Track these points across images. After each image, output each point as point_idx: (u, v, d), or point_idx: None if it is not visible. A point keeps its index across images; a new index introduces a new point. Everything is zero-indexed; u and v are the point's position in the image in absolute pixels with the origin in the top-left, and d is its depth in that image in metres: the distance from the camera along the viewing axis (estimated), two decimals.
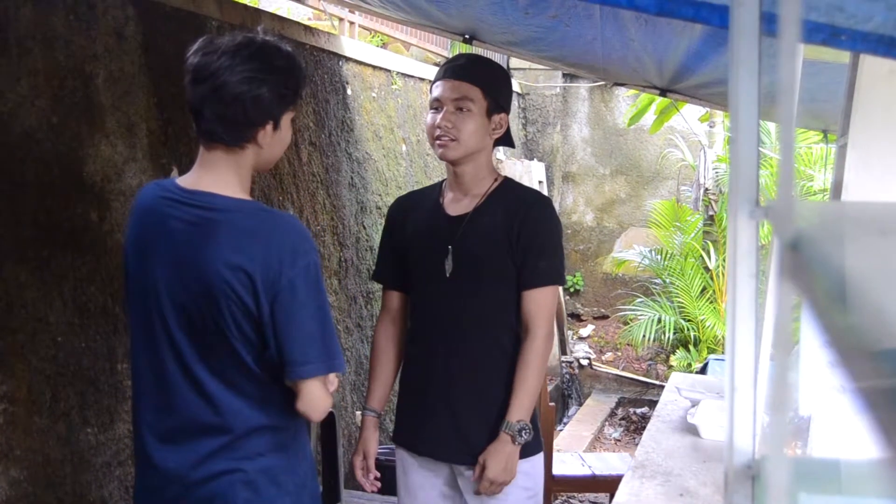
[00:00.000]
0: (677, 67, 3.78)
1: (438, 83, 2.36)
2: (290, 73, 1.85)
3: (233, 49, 1.79)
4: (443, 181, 2.53)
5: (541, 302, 2.35)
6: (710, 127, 8.50)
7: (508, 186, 2.45)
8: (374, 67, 5.36)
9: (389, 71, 5.61)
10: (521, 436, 2.29)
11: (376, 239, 5.03)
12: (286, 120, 1.88)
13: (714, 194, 8.13)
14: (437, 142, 2.35)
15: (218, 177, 1.85)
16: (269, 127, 1.83)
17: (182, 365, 1.85)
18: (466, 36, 3.84)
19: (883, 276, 0.57)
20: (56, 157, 2.71)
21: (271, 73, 1.80)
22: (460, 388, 2.37)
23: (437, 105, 2.35)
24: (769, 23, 0.97)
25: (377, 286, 5.04)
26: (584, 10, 2.92)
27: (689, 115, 8.00)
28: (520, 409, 2.30)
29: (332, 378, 1.89)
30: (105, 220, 2.90)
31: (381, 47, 6.84)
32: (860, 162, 2.48)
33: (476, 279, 2.35)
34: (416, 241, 2.47)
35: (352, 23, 6.28)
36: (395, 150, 5.55)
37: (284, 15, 5.04)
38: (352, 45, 5.06)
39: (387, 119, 5.48)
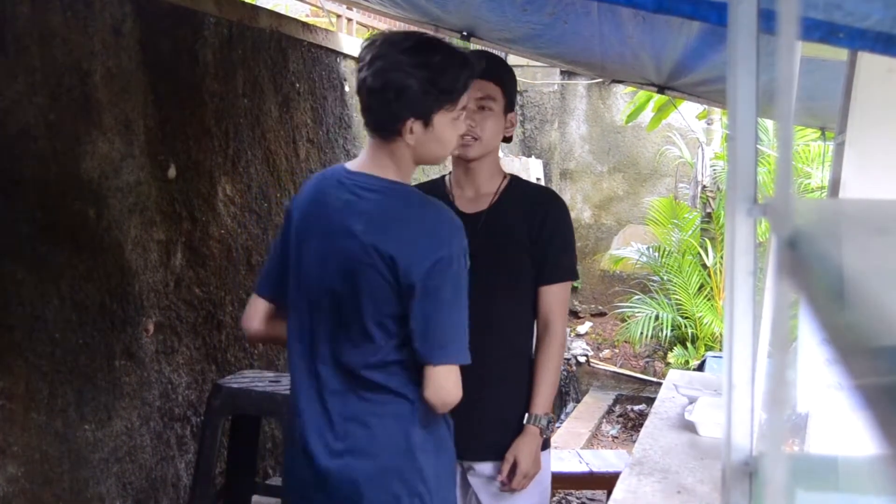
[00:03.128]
0: (675, 65, 3.78)
1: None
2: (444, 71, 1.80)
3: (396, 40, 1.80)
4: (441, 179, 2.52)
5: (560, 297, 2.39)
6: (708, 124, 8.50)
7: (518, 184, 2.46)
8: None
9: None
10: (548, 428, 2.34)
11: None
12: (442, 119, 1.84)
13: (712, 192, 8.14)
14: (462, 139, 2.28)
15: (378, 161, 1.88)
16: (412, 123, 1.82)
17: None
18: (464, 33, 3.84)
19: (880, 273, 0.57)
20: (53, 154, 2.71)
21: (421, 69, 1.78)
22: (480, 385, 2.34)
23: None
24: (767, 20, 0.97)
25: None
26: (582, 7, 2.92)
27: (687, 112, 8.00)
28: (545, 402, 2.34)
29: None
30: (102, 216, 2.90)
31: None
32: (858, 160, 2.48)
33: (495, 277, 2.35)
34: None
35: (349, 19, 6.27)
36: None
37: (282, 12, 5.04)
38: (350, 42, 5.05)
39: None
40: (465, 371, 2.41)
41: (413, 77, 1.76)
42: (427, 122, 1.82)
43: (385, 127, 1.83)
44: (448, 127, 1.86)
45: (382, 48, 1.78)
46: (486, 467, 2.37)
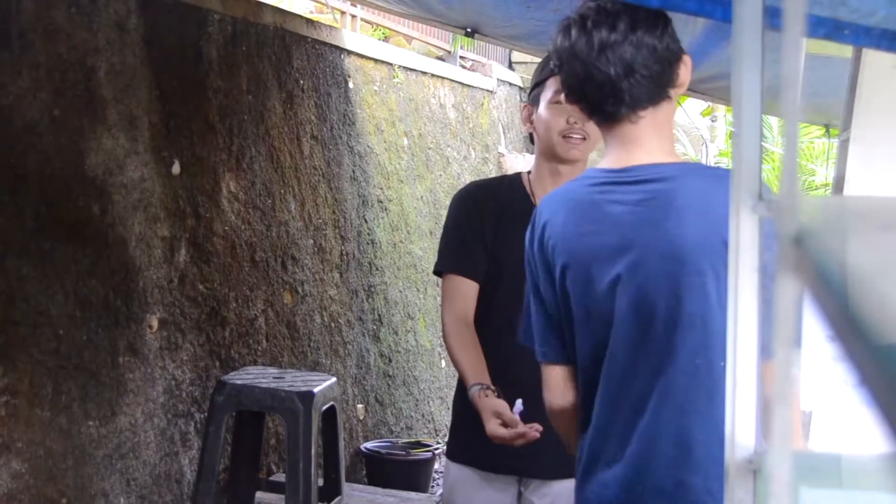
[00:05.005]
0: None
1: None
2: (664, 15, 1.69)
3: (617, 10, 1.66)
4: (516, 177, 2.38)
5: None
6: (712, 121, 8.50)
7: None
8: (376, 61, 5.35)
9: (391, 64, 5.60)
10: None
11: (378, 232, 5.03)
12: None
13: None
14: (569, 140, 2.19)
15: (650, 147, 1.64)
16: (685, 59, 1.69)
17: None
18: (468, 29, 3.84)
19: (886, 269, 0.57)
20: (57, 150, 2.72)
21: (654, 15, 1.66)
22: None
23: (561, 100, 2.01)
24: (772, 16, 0.97)
25: (378, 280, 5.04)
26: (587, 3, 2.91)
27: (691, 109, 7.99)
28: None
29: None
30: (107, 212, 2.90)
31: (383, 41, 6.83)
32: (862, 157, 2.48)
33: None
34: (517, 244, 2.16)
35: (353, 16, 6.27)
36: (396, 144, 5.55)
37: (286, 8, 5.04)
38: (353, 39, 5.05)
39: (388, 112, 5.48)
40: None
41: (659, 19, 1.69)
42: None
43: (669, 78, 1.69)
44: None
45: (618, 18, 1.65)
46: (534, 482, 2.29)
